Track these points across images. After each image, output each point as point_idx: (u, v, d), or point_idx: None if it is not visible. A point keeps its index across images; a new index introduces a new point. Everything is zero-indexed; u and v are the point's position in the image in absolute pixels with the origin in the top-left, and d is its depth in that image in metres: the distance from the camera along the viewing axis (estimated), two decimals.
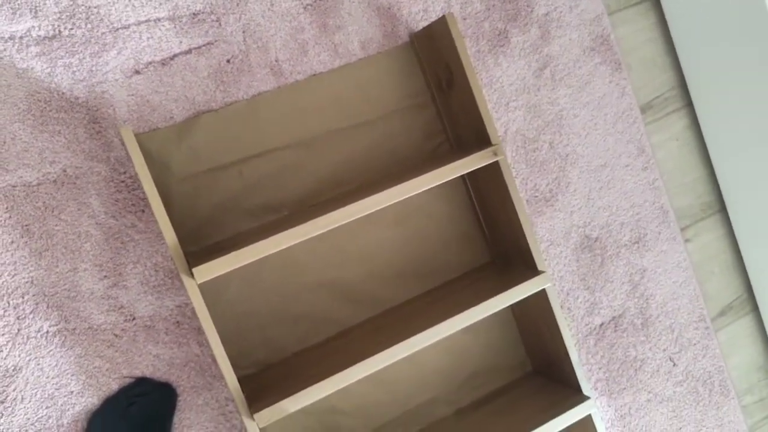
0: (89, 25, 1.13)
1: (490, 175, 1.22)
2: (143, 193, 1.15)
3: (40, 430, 1.11)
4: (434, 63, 1.26)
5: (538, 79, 1.41)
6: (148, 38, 1.16)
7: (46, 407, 1.11)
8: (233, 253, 0.99)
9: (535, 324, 1.31)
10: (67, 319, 1.12)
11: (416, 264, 1.31)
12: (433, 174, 1.10)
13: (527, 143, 1.40)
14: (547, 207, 1.42)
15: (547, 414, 1.21)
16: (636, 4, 1.51)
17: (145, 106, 1.16)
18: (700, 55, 1.47)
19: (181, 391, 1.18)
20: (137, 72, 1.16)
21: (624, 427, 1.48)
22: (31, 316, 1.11)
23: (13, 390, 1.10)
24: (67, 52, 1.12)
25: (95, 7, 1.14)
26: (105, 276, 1.14)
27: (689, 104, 1.55)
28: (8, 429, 1.10)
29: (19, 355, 1.10)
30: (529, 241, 1.20)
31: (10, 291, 1.10)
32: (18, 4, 1.10)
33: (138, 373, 1.16)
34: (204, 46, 1.20)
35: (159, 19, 1.17)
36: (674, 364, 1.52)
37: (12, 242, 1.10)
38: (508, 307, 1.38)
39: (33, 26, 1.11)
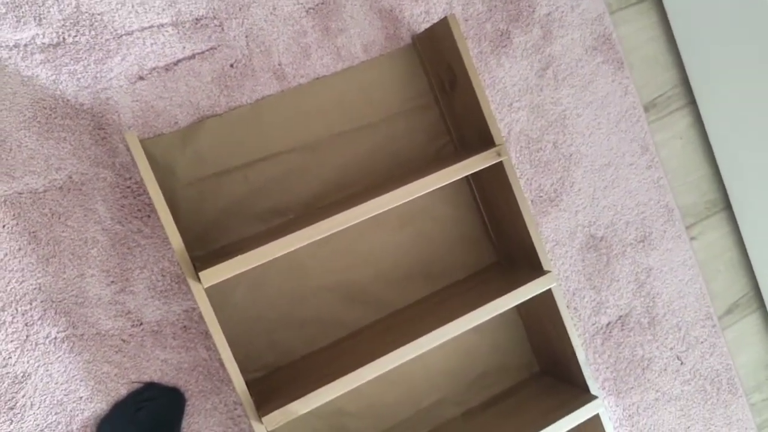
0: (93, 32, 1.14)
1: (494, 176, 1.22)
2: (149, 198, 1.16)
3: None
4: (437, 64, 1.27)
5: (541, 79, 1.41)
6: (151, 44, 1.17)
7: (56, 413, 1.12)
8: (240, 257, 0.99)
9: (541, 324, 1.31)
10: (75, 325, 1.13)
11: (422, 265, 1.32)
12: (437, 175, 1.10)
13: (531, 143, 1.40)
14: (552, 207, 1.42)
15: (555, 414, 1.21)
16: (637, 3, 1.51)
17: (149, 111, 1.17)
18: (702, 52, 1.47)
19: (189, 396, 1.18)
20: (141, 78, 1.17)
21: (632, 426, 1.47)
22: (39, 322, 1.11)
23: (23, 396, 1.10)
24: (71, 59, 1.13)
25: (99, 14, 1.14)
26: (112, 281, 1.15)
27: (692, 102, 1.55)
28: None
29: (28, 362, 1.11)
30: (534, 241, 1.20)
31: (18, 298, 1.10)
32: (22, 12, 1.10)
33: (146, 378, 1.16)
34: (207, 51, 1.20)
35: (162, 25, 1.18)
36: (682, 363, 1.52)
37: (19, 249, 1.10)
38: (514, 307, 1.38)
39: (37, 34, 1.11)
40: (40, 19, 1.11)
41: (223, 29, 1.21)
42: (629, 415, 1.47)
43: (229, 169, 1.21)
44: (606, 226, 1.46)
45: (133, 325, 1.15)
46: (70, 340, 1.12)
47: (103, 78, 1.15)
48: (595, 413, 1.22)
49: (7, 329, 1.09)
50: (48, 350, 1.11)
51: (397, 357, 1.08)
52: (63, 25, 1.12)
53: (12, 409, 1.10)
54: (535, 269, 1.22)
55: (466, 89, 1.19)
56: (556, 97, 1.42)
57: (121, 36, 1.16)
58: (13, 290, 1.10)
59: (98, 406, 1.14)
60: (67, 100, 1.13)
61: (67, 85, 1.13)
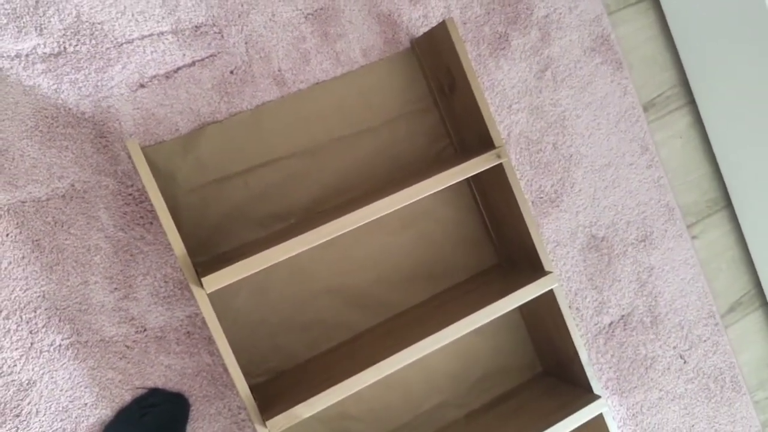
0: (94, 41, 1.15)
1: (494, 178, 1.23)
2: (151, 205, 1.17)
3: None
4: (436, 68, 1.27)
5: (540, 81, 1.41)
6: (151, 52, 1.18)
7: (61, 420, 1.13)
8: (241, 262, 1.00)
9: (543, 325, 1.31)
10: (79, 332, 1.13)
11: (423, 268, 1.32)
12: (437, 178, 1.10)
13: (531, 145, 1.41)
14: (553, 208, 1.42)
15: (558, 414, 1.21)
16: (635, 3, 1.51)
17: (150, 119, 1.18)
18: (701, 51, 1.48)
19: (193, 401, 1.19)
20: (142, 86, 1.17)
21: (636, 425, 1.48)
22: (43, 330, 1.12)
23: (28, 404, 1.11)
24: (72, 69, 1.14)
25: (99, 24, 1.15)
26: (115, 288, 1.15)
27: (692, 101, 1.55)
28: None
29: (33, 369, 1.11)
30: (535, 242, 1.20)
31: (22, 306, 1.11)
32: (23, 23, 1.11)
33: (150, 383, 1.16)
34: (207, 58, 1.21)
35: (162, 33, 1.18)
36: (685, 361, 1.52)
37: (23, 257, 1.11)
38: (516, 308, 1.38)
39: (38, 44, 1.12)
40: (41, 29, 1.12)
41: (222, 36, 1.22)
42: (633, 414, 1.47)
43: (230, 175, 1.21)
44: (607, 226, 1.46)
45: (136, 332, 1.16)
46: (74, 347, 1.13)
47: (104, 86, 1.15)
48: (598, 413, 1.22)
49: (11, 337, 1.10)
50: (53, 357, 1.12)
51: (399, 360, 1.08)
52: (64, 34, 1.13)
53: (18, 416, 1.10)
54: (537, 270, 1.22)
55: (466, 92, 1.19)
56: (556, 98, 1.42)
57: (122, 44, 1.16)
58: (17, 298, 1.11)
59: (103, 412, 1.14)
60: (69, 109, 1.14)
61: (68, 94, 1.13)
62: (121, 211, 1.16)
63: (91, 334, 1.14)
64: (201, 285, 0.99)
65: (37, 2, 1.12)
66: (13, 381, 1.10)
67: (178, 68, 1.19)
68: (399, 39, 1.32)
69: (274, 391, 1.15)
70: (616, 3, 1.50)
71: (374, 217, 1.07)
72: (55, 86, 1.13)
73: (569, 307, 1.43)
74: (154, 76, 1.18)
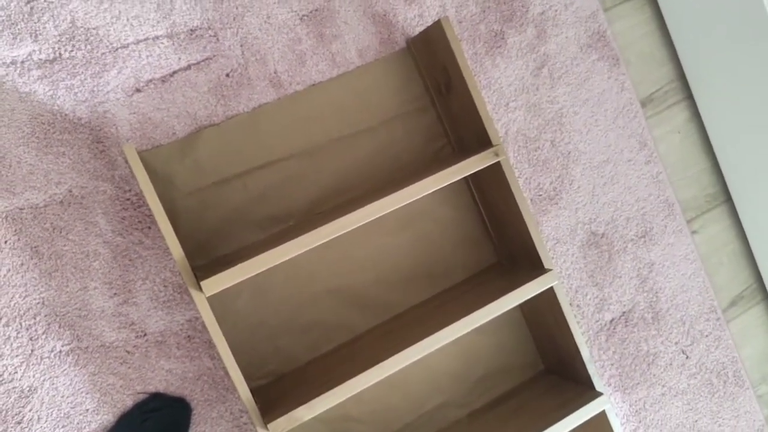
0: (89, 47, 1.15)
1: (492, 176, 1.22)
2: (149, 209, 1.16)
3: None
4: (432, 67, 1.27)
5: (537, 79, 1.41)
6: (147, 56, 1.18)
7: (63, 426, 1.12)
8: (241, 265, 1.00)
9: (544, 323, 1.31)
10: (79, 338, 1.13)
11: (423, 268, 1.32)
12: (435, 177, 1.10)
13: (529, 143, 1.40)
14: (552, 205, 1.42)
15: (561, 412, 1.21)
16: None
17: (147, 123, 1.17)
18: (697, 46, 1.47)
19: (195, 405, 1.18)
20: (138, 90, 1.17)
21: (639, 422, 1.47)
22: (43, 336, 1.12)
23: (30, 410, 1.11)
24: (68, 74, 1.14)
25: (94, 29, 1.15)
26: (115, 293, 1.15)
27: (689, 96, 1.55)
28: None
29: (34, 376, 1.11)
30: (534, 240, 1.20)
31: (22, 312, 1.11)
32: (18, 29, 1.11)
33: (151, 388, 1.16)
34: (203, 61, 1.21)
35: (157, 37, 1.18)
36: (687, 357, 1.52)
37: (22, 264, 1.11)
38: (517, 307, 1.38)
39: (34, 50, 1.12)
40: (36, 36, 1.12)
41: (218, 39, 1.22)
42: (636, 411, 1.47)
43: (228, 178, 1.21)
44: (606, 222, 1.46)
45: (137, 337, 1.16)
46: (74, 353, 1.13)
47: (100, 91, 1.15)
48: (601, 410, 1.22)
49: (12, 344, 1.10)
50: (53, 364, 1.12)
51: (400, 360, 1.08)
52: (59, 40, 1.13)
53: (20, 423, 1.10)
54: (537, 268, 1.22)
55: (462, 91, 1.19)
56: (553, 95, 1.42)
57: (117, 49, 1.16)
58: (16, 305, 1.10)
59: (105, 417, 1.14)
60: (65, 115, 1.13)
61: (64, 100, 1.13)
62: (120, 216, 1.16)
63: (92, 340, 1.14)
64: (200, 289, 0.99)
65: (31, 9, 1.12)
66: (14, 388, 1.10)
67: (174, 72, 1.19)
68: (395, 39, 1.32)
69: (276, 393, 1.15)
70: None
71: (373, 218, 1.07)
72: (51, 92, 1.13)
73: (570, 304, 1.43)
74: (150, 81, 1.18)
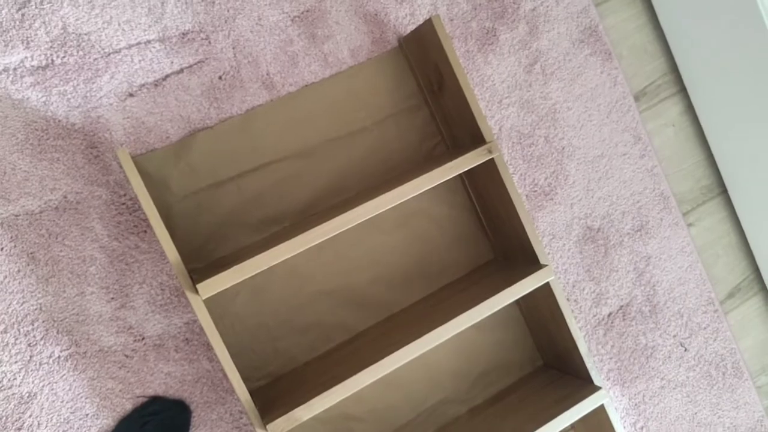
0: (81, 52, 1.15)
1: (487, 173, 1.23)
2: (144, 214, 1.17)
3: None
4: (424, 65, 1.27)
5: (530, 75, 1.41)
6: (139, 61, 1.18)
7: (63, 431, 1.13)
8: (236, 267, 1.00)
9: (542, 318, 1.31)
10: (77, 343, 1.13)
11: (420, 266, 1.32)
12: (429, 176, 1.10)
13: (523, 139, 1.41)
14: (547, 201, 1.42)
15: (560, 406, 1.21)
16: None
17: (140, 127, 1.18)
18: (689, 39, 1.48)
19: (194, 408, 1.19)
20: (131, 95, 1.18)
21: (639, 415, 1.48)
22: (42, 342, 1.12)
23: (29, 416, 1.11)
24: (60, 80, 1.14)
25: (86, 34, 1.15)
26: (112, 298, 1.15)
27: (683, 89, 1.55)
28: None
29: (33, 382, 1.11)
30: (530, 236, 1.20)
31: (20, 319, 1.11)
32: (10, 37, 1.11)
33: (151, 392, 1.17)
34: (195, 64, 1.21)
35: (149, 42, 1.19)
36: (685, 349, 1.52)
37: (18, 271, 1.11)
38: (514, 303, 1.38)
39: (26, 57, 1.12)
40: (27, 42, 1.12)
41: (209, 42, 1.22)
42: (635, 404, 1.48)
43: (223, 181, 1.22)
44: (602, 217, 1.46)
45: (135, 340, 1.16)
46: (73, 358, 1.13)
47: (93, 97, 1.15)
48: (599, 404, 1.22)
49: (10, 350, 1.10)
50: (52, 369, 1.12)
51: (399, 358, 1.08)
52: (51, 46, 1.13)
53: (20, 429, 1.11)
54: (532, 264, 1.22)
55: (454, 89, 1.19)
56: (546, 91, 1.42)
57: (109, 54, 1.17)
58: (14, 312, 1.11)
59: (104, 422, 1.14)
60: (59, 121, 1.14)
61: (57, 106, 1.14)
62: (115, 221, 1.16)
63: (90, 345, 1.14)
64: (196, 291, 0.99)
65: (23, 15, 1.12)
66: (13, 394, 1.11)
67: (167, 76, 1.20)
68: (387, 38, 1.32)
69: (275, 394, 1.15)
70: None
71: (367, 217, 1.07)
72: (44, 99, 1.13)
73: (567, 299, 1.43)
74: (143, 85, 1.18)
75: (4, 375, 1.10)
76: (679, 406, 1.51)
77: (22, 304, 1.11)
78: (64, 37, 1.14)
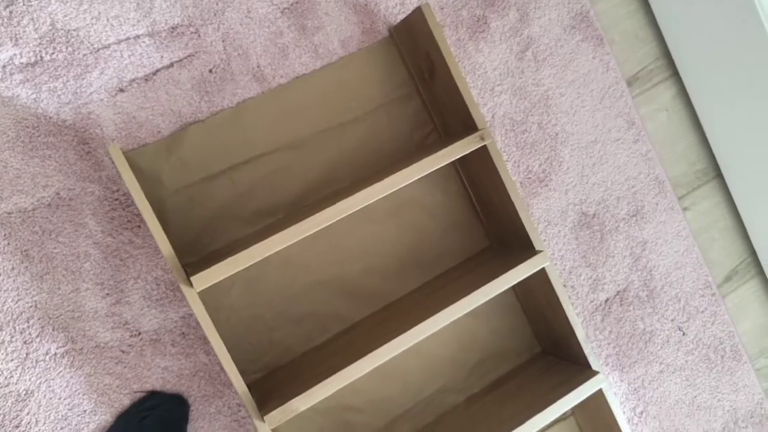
0: (70, 48, 1.15)
1: (480, 161, 1.23)
2: (138, 209, 1.16)
3: None
4: (415, 54, 1.27)
5: (521, 62, 1.41)
6: (129, 56, 1.18)
7: (61, 428, 1.13)
8: (229, 259, 1.00)
9: (539, 305, 1.31)
10: (73, 340, 1.13)
11: (415, 255, 1.32)
12: (421, 164, 1.10)
13: (516, 126, 1.40)
14: (542, 188, 1.42)
15: (558, 392, 1.21)
16: None
17: (132, 122, 1.17)
18: (681, 23, 1.47)
19: (192, 401, 1.19)
20: (121, 90, 1.17)
21: (638, 400, 1.48)
22: (37, 339, 1.12)
23: (27, 414, 1.11)
24: (50, 77, 1.14)
25: (74, 30, 1.15)
26: (107, 294, 1.15)
27: (675, 74, 1.55)
28: None
29: (30, 379, 1.11)
30: (524, 222, 1.20)
31: (15, 316, 1.11)
32: None
33: (148, 386, 1.17)
34: (185, 58, 1.21)
35: (138, 36, 1.18)
36: (684, 333, 1.52)
37: (13, 268, 1.11)
38: (511, 290, 1.38)
39: (15, 54, 1.12)
40: (16, 39, 1.12)
41: (199, 36, 1.21)
42: (635, 389, 1.48)
43: (215, 174, 1.21)
44: (597, 202, 1.46)
45: (131, 336, 1.16)
46: (69, 354, 1.13)
47: (83, 93, 1.15)
48: (597, 388, 1.22)
49: (6, 348, 1.10)
50: (49, 366, 1.12)
51: (395, 347, 1.08)
52: (39, 43, 1.13)
53: (17, 427, 1.11)
54: (527, 250, 1.22)
55: (446, 77, 1.19)
56: (538, 78, 1.42)
57: (99, 50, 1.16)
58: (9, 309, 1.11)
59: (102, 418, 1.14)
60: (50, 118, 1.13)
61: (48, 103, 1.13)
62: (109, 217, 1.16)
63: (86, 341, 1.14)
64: (191, 284, 0.99)
65: (11, 12, 1.12)
66: (10, 392, 1.11)
67: (157, 70, 1.19)
68: (377, 28, 1.31)
69: (272, 386, 1.15)
70: None
71: (360, 206, 1.07)
72: (34, 96, 1.13)
73: (564, 285, 1.43)
74: (133, 80, 1.18)
75: (0, 373, 1.10)
76: (678, 390, 1.51)
77: (17, 302, 1.11)
78: (53, 34, 1.14)
